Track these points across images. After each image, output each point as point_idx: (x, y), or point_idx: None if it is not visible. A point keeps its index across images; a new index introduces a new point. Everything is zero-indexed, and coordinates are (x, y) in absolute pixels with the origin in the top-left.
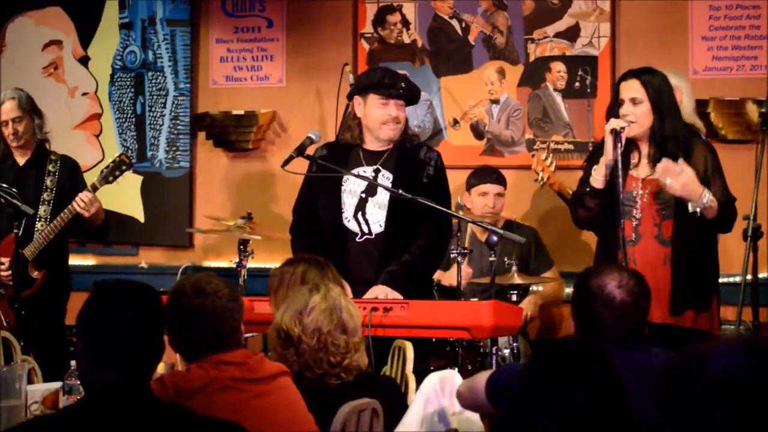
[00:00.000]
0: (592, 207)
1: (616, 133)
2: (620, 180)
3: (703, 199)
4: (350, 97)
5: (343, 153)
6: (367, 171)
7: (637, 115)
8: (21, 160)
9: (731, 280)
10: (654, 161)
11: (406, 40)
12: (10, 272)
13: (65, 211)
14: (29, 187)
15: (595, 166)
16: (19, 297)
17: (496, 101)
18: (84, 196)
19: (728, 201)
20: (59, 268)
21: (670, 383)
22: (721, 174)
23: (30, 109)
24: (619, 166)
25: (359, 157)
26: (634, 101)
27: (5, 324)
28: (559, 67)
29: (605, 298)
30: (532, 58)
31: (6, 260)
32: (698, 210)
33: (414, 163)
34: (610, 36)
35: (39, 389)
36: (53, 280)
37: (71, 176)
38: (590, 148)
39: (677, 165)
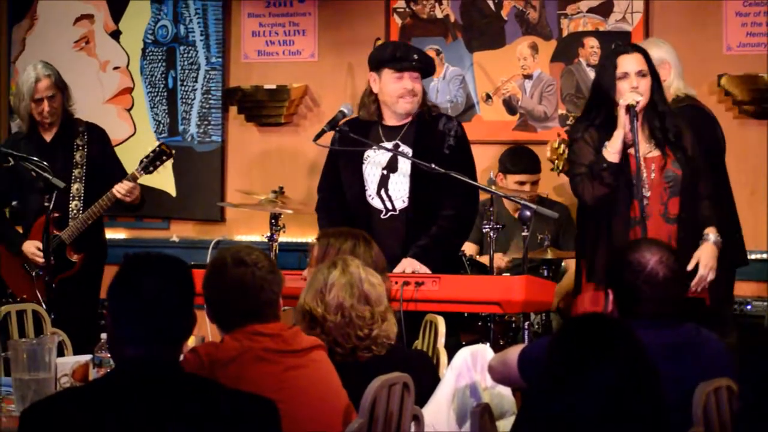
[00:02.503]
0: (610, 183)
1: (632, 108)
2: (639, 155)
3: (718, 248)
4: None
5: (362, 130)
6: (387, 147)
7: (644, 88)
8: (47, 136)
9: (762, 256)
10: (653, 135)
11: (439, 14)
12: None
13: (104, 198)
14: (58, 164)
15: (607, 142)
16: (54, 279)
17: (528, 76)
18: (125, 185)
19: (707, 196)
20: (96, 247)
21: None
22: (705, 161)
23: (62, 84)
24: (638, 141)
25: (378, 133)
26: (641, 74)
27: (43, 304)
28: (592, 43)
29: (649, 274)
30: (565, 34)
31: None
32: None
33: (433, 135)
34: (644, 12)
35: (68, 362)
36: (92, 262)
37: (101, 147)
38: None
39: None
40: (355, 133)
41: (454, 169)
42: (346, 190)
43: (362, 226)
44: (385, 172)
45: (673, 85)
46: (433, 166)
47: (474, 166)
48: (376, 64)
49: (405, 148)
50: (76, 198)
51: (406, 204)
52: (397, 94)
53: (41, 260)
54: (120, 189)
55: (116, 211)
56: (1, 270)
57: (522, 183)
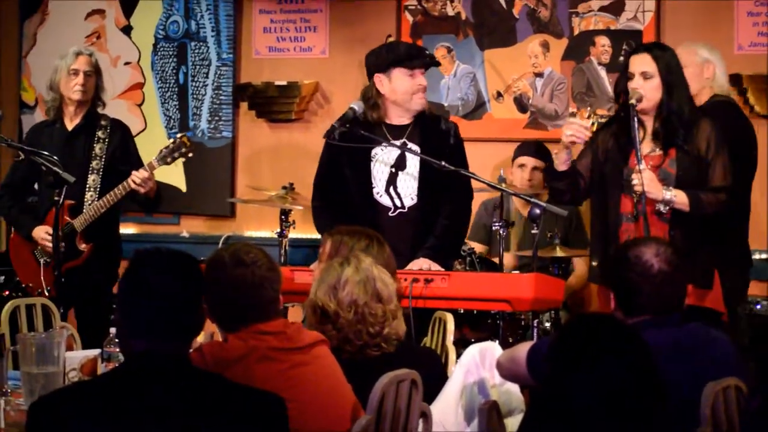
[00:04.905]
0: (562, 188)
1: (632, 107)
2: (639, 154)
3: (666, 195)
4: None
5: (365, 130)
6: (398, 144)
7: (646, 89)
8: (70, 125)
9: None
10: (658, 137)
11: (450, 12)
12: (60, 244)
13: (119, 187)
14: (77, 153)
15: (555, 151)
16: (61, 267)
17: (539, 74)
18: (140, 173)
19: (722, 188)
20: (109, 241)
21: None
22: (724, 158)
23: (99, 70)
24: (638, 139)
25: (383, 132)
26: (645, 75)
27: (47, 293)
28: (603, 41)
29: (643, 267)
30: (576, 32)
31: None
32: (662, 208)
33: (437, 134)
34: (655, 11)
35: (77, 356)
36: (101, 253)
37: (122, 143)
38: None
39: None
40: (359, 133)
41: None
42: (351, 187)
43: (368, 224)
44: (393, 170)
45: (717, 84)
46: (443, 163)
47: (467, 165)
48: (387, 65)
49: (413, 146)
50: (92, 189)
51: (415, 201)
52: (411, 91)
53: (50, 245)
54: (135, 178)
55: (131, 206)
56: (11, 255)
57: (522, 166)
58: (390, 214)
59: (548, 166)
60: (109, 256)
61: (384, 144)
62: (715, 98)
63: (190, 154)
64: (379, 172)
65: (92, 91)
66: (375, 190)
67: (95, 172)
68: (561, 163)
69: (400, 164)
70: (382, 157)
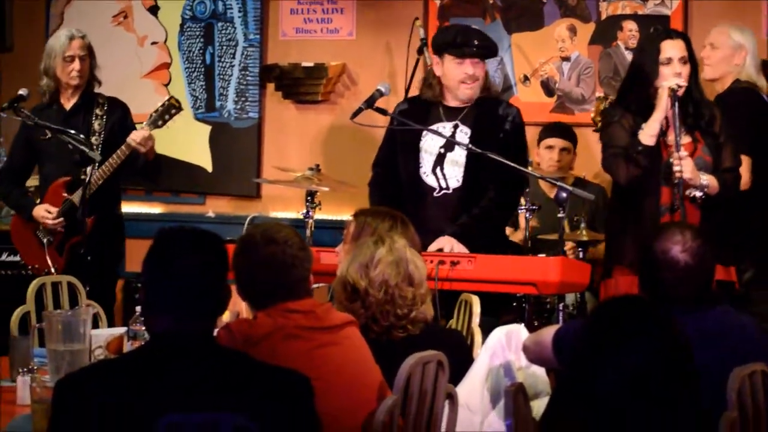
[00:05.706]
0: (644, 165)
1: (674, 92)
2: (678, 139)
3: (703, 180)
4: (420, 51)
5: (423, 108)
6: (446, 126)
7: (684, 75)
8: (67, 104)
9: None
10: (686, 124)
11: None
12: (60, 220)
13: (118, 151)
14: (77, 131)
15: (644, 124)
16: (66, 243)
17: (566, 59)
18: (140, 132)
19: (733, 168)
20: (109, 214)
21: None
22: (733, 140)
23: (92, 51)
24: (678, 125)
25: (439, 112)
26: (683, 60)
27: (53, 272)
28: (630, 26)
29: (669, 262)
30: (603, 17)
31: (54, 210)
32: (697, 194)
33: (492, 118)
34: None
35: (103, 334)
36: (103, 228)
37: (121, 119)
38: None
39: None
40: (416, 111)
41: (506, 154)
42: (401, 167)
43: (414, 203)
44: (442, 150)
45: (744, 72)
46: (470, 146)
47: (525, 153)
48: (438, 48)
49: (464, 128)
50: (91, 164)
51: (460, 183)
52: (458, 79)
53: (50, 222)
54: (135, 137)
55: (132, 177)
56: (14, 239)
57: (550, 147)
58: (435, 194)
59: (636, 141)
60: (111, 230)
61: (430, 128)
62: (738, 84)
63: (180, 114)
64: (428, 152)
65: (88, 73)
66: (422, 170)
67: (94, 147)
68: (654, 134)
69: (449, 146)
70: (432, 138)
